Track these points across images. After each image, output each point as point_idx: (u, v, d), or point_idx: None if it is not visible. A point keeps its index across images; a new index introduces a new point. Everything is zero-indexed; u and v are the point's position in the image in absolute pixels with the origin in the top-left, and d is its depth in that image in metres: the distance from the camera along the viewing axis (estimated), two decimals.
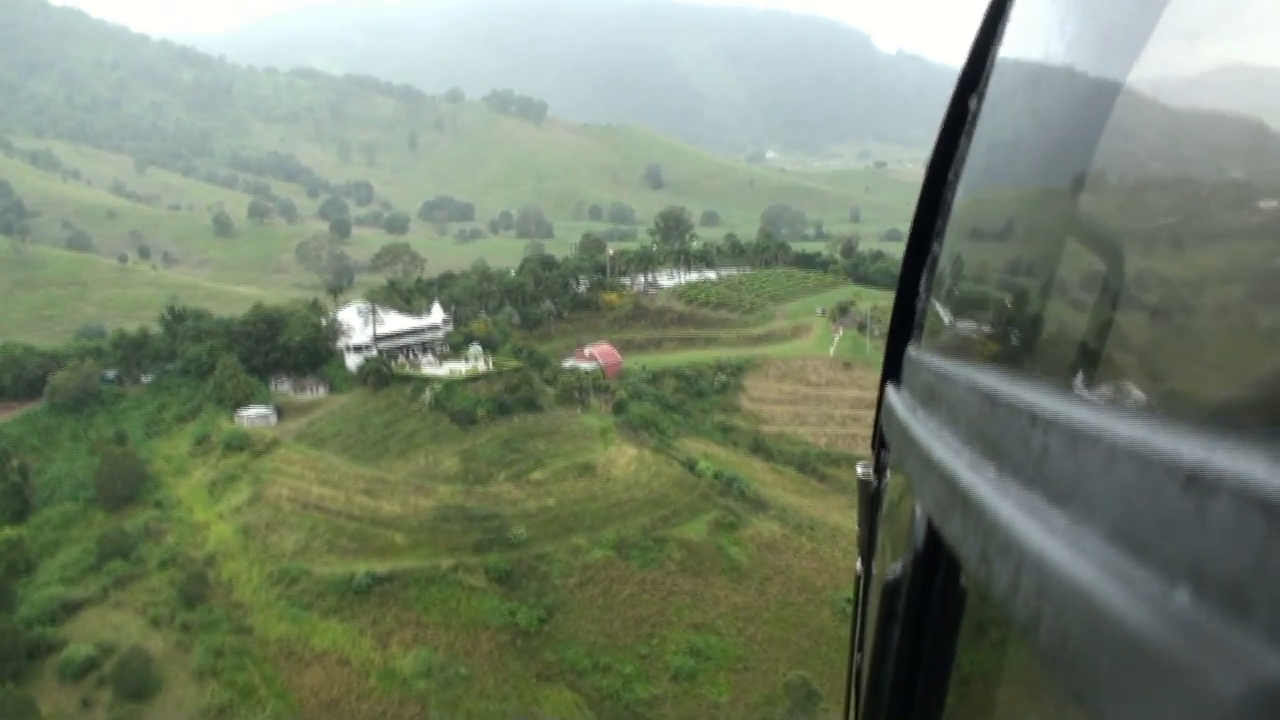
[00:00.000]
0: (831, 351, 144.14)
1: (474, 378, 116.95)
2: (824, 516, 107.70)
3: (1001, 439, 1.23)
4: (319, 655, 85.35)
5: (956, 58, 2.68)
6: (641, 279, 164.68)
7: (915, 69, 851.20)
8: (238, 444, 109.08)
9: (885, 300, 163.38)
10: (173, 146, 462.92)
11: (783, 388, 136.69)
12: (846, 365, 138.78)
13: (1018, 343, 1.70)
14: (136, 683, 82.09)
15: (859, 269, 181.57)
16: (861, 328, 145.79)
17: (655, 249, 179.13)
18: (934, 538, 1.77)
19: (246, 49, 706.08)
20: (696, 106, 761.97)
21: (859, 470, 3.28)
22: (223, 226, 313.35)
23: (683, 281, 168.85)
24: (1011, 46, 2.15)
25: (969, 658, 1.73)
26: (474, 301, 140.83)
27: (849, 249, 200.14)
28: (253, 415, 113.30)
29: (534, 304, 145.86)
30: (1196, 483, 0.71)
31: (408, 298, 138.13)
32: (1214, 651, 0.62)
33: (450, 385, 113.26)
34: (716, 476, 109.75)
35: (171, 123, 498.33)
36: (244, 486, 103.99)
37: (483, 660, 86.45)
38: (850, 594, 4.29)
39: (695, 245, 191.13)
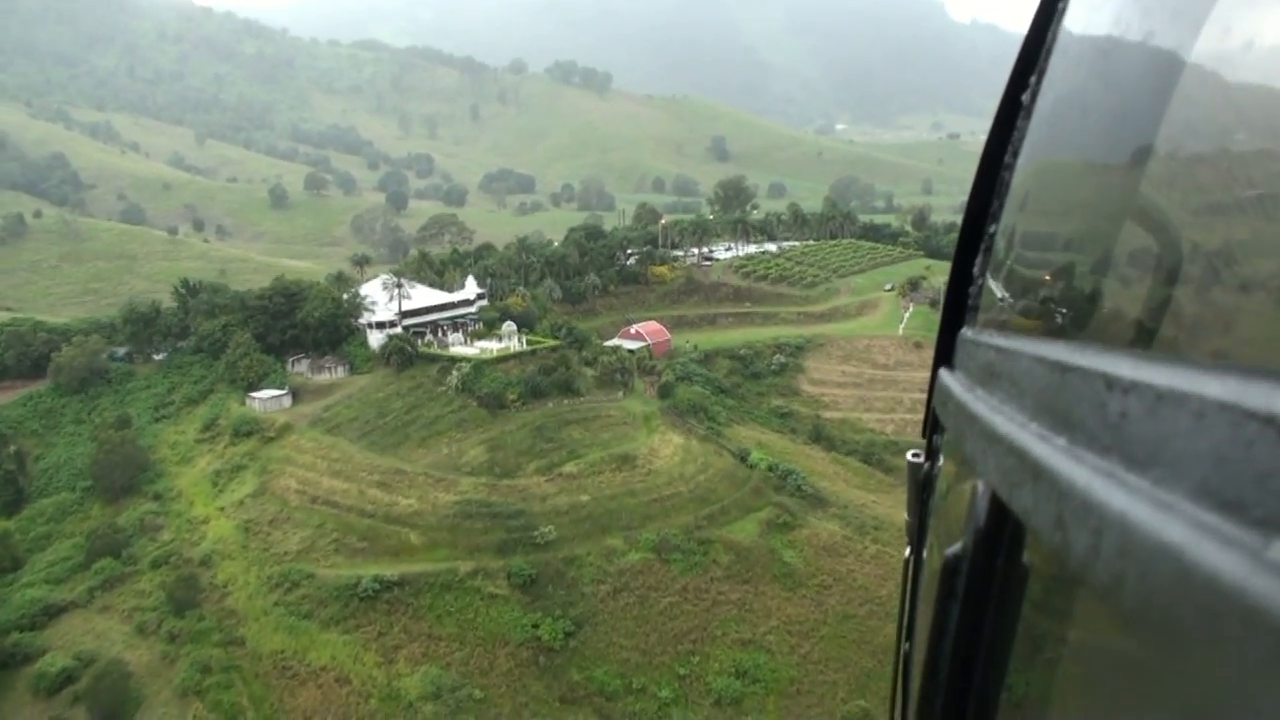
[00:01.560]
0: (901, 330, 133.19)
1: (505, 357, 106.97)
2: (890, 514, 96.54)
3: (1073, 408, 1.23)
4: (315, 672, 75.93)
5: None
6: (695, 251, 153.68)
7: (990, 39, 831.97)
8: (247, 429, 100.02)
9: None
10: (233, 119, 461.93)
11: (846, 369, 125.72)
12: (917, 345, 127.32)
13: (1085, 313, 1.71)
14: (113, 701, 73.21)
15: (931, 241, 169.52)
16: (934, 304, 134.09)
17: (712, 219, 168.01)
18: (997, 514, 1.78)
19: (310, 22, 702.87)
20: (764, 79, 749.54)
21: (909, 455, 3.33)
22: (278, 199, 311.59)
23: (740, 254, 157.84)
24: (1071, 23, 2.17)
25: (1031, 633, 1.74)
26: (512, 275, 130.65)
27: (920, 220, 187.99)
28: (265, 398, 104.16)
29: (578, 278, 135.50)
30: None
31: (440, 270, 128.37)
32: None
33: (479, 366, 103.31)
34: (771, 469, 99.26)
35: (233, 95, 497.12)
36: (250, 477, 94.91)
37: (499, 680, 76.65)
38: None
39: (755, 215, 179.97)
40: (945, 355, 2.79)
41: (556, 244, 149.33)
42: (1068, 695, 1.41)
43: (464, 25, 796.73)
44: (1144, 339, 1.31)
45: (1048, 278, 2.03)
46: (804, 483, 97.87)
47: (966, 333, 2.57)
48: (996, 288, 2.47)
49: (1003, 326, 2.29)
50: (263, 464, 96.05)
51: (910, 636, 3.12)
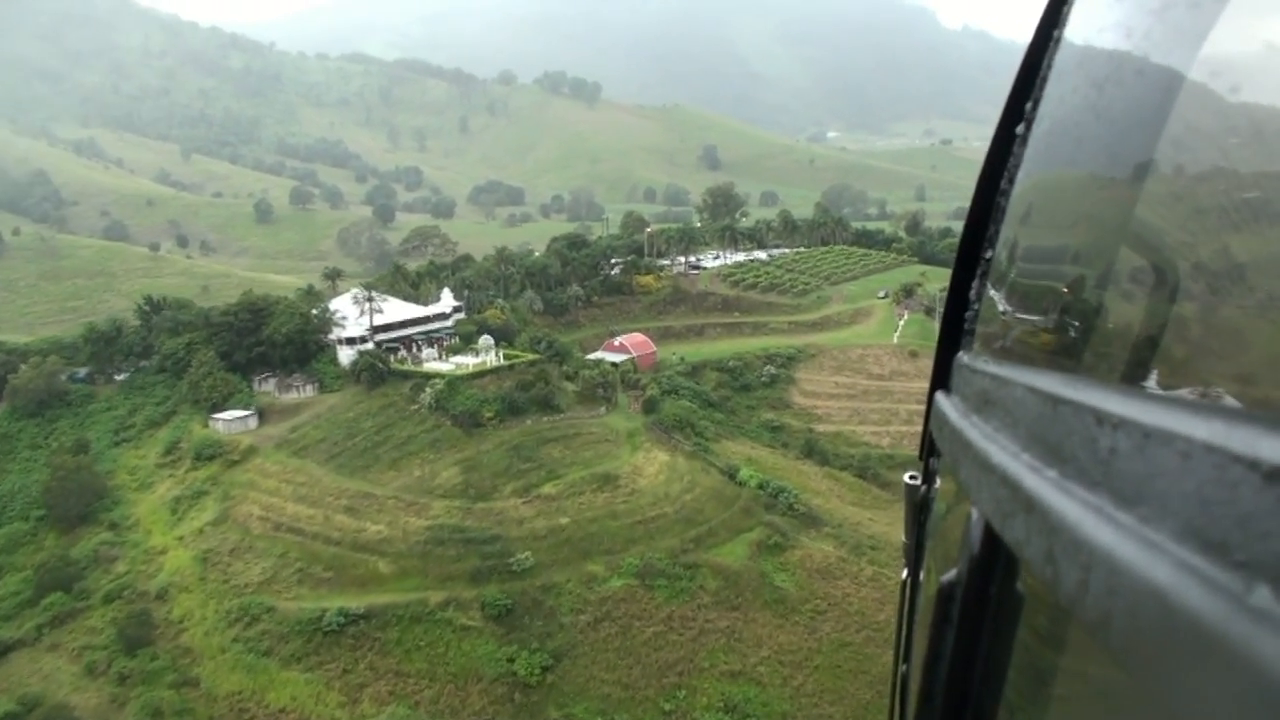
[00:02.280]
0: (895, 338, 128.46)
1: (481, 373, 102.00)
2: (887, 533, 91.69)
3: (1064, 441, 1.23)
4: (274, 715, 71.15)
5: (1023, 33, 2.70)
6: (682, 260, 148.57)
7: (981, 45, 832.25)
8: (209, 453, 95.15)
9: None
10: (220, 134, 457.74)
11: (839, 380, 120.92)
12: (913, 354, 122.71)
13: (1078, 343, 1.73)
14: None
15: (925, 247, 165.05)
16: (929, 311, 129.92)
17: (700, 226, 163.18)
18: (991, 542, 1.77)
19: (299, 37, 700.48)
20: (755, 88, 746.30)
21: (906, 477, 3.39)
22: (264, 213, 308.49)
23: (728, 262, 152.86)
24: (1070, 44, 2.17)
25: (1025, 662, 1.73)
26: (491, 287, 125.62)
27: (914, 225, 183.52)
28: (230, 419, 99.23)
29: (560, 289, 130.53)
30: (1278, 478, 0.72)
31: (416, 283, 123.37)
32: None
33: (453, 383, 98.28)
34: (761, 487, 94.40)
35: (219, 110, 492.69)
36: (211, 504, 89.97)
37: None
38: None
39: (745, 223, 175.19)
40: (942, 378, 2.77)
41: (538, 254, 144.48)
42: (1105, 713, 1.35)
43: (454, 38, 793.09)
44: (1136, 373, 1.31)
45: (1042, 306, 2.02)
46: (796, 501, 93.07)
47: (963, 357, 2.57)
48: (992, 313, 2.49)
49: (997, 353, 2.30)
50: (225, 489, 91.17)
51: (907, 658, 3.08)
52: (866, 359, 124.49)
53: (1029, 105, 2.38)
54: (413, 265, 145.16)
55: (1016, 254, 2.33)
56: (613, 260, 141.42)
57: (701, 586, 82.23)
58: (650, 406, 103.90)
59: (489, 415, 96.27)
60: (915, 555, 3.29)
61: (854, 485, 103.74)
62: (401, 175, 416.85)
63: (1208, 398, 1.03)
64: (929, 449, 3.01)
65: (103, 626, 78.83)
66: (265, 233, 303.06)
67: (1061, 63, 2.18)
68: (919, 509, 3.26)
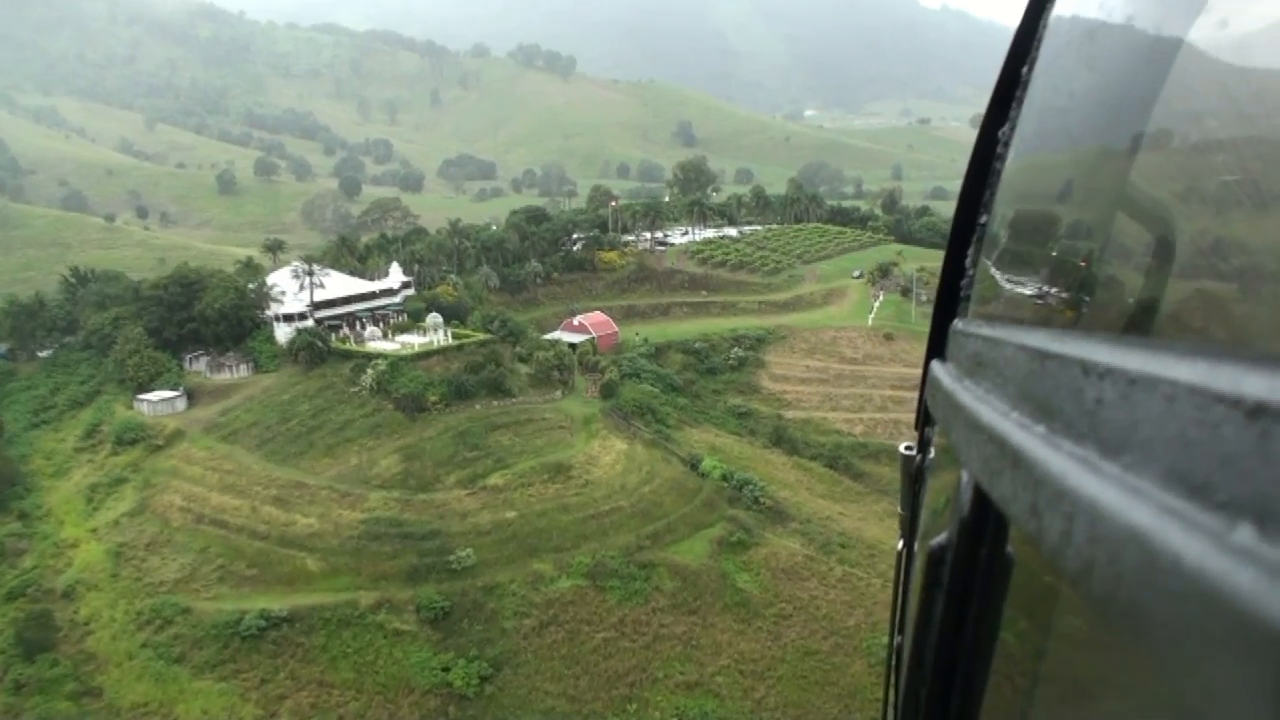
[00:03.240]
0: (870, 320, 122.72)
1: (428, 354, 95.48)
2: (858, 529, 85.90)
3: (1052, 395, 1.25)
4: None
5: (1003, 13, 2.83)
6: (648, 236, 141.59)
7: (960, 25, 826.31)
8: (131, 437, 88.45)
9: (933, 260, 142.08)
10: (186, 104, 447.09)
11: (811, 364, 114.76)
12: (888, 337, 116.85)
13: (1070, 303, 1.76)
14: None
15: (902, 225, 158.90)
16: (905, 292, 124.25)
17: (668, 201, 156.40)
18: (981, 503, 1.79)
19: (272, 7, 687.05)
20: (733, 65, 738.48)
21: (902, 447, 3.35)
22: (226, 185, 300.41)
23: (697, 239, 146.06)
24: (1064, 9, 2.18)
25: (1014, 624, 1.74)
26: (444, 261, 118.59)
27: (891, 203, 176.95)
28: (156, 400, 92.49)
29: (518, 264, 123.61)
30: (1261, 414, 0.71)
31: (363, 256, 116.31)
32: (1278, 582, 0.62)
33: (396, 364, 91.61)
34: (725, 478, 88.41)
35: (186, 80, 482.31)
36: (129, 493, 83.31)
37: None
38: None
39: (717, 198, 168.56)
40: (937, 347, 2.78)
41: (496, 228, 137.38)
42: (1049, 685, 1.40)
43: (428, 11, 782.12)
44: (1124, 325, 1.35)
45: (1034, 269, 2.05)
46: (762, 493, 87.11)
47: (957, 324, 2.57)
48: (986, 279, 2.52)
49: (991, 317, 2.35)
50: (145, 477, 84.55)
51: (902, 630, 3.10)
52: (839, 341, 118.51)
53: (1024, 71, 2.41)
54: (365, 239, 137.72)
55: (1010, 218, 2.38)
56: (575, 236, 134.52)
57: (657, 588, 76.18)
58: (608, 391, 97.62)
59: (434, 399, 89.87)
60: (910, 526, 3.21)
61: (824, 476, 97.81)
62: (371, 148, 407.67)
63: (1193, 346, 1.03)
64: (924, 419, 3.02)
65: (3, 627, 72.02)
66: (228, 204, 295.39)
67: (1056, 30, 2.19)
68: (914, 479, 3.19)
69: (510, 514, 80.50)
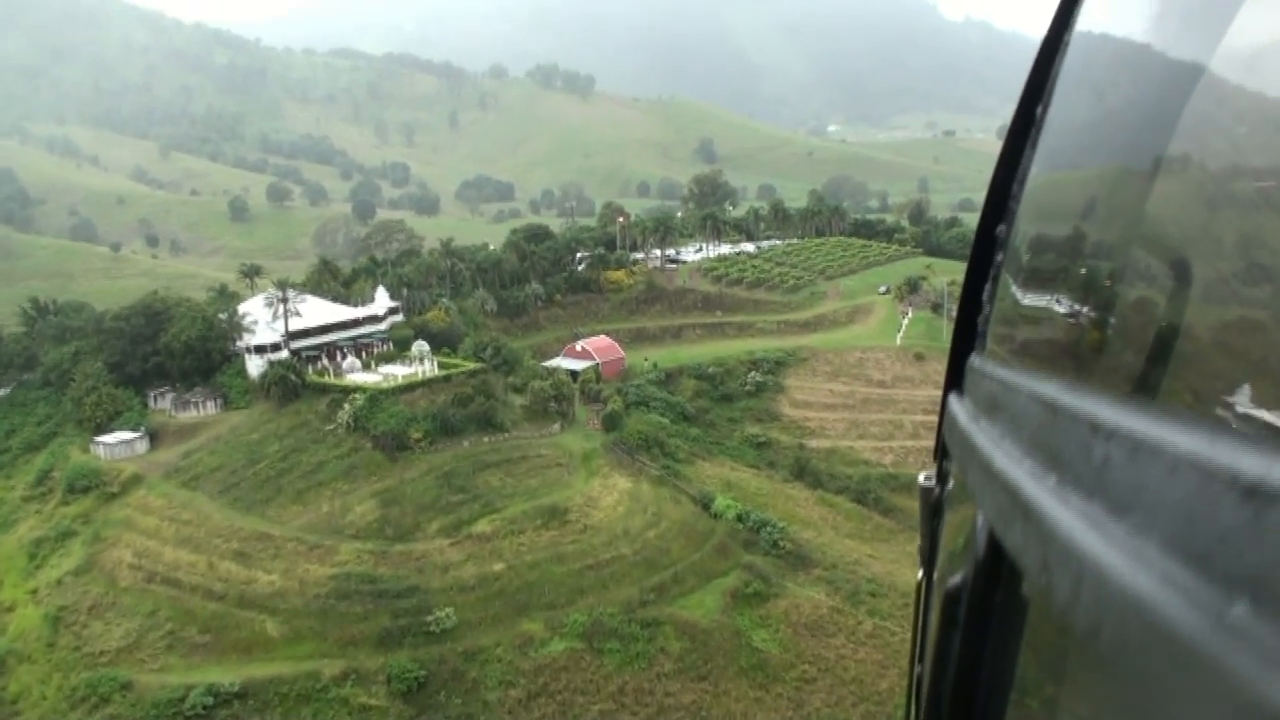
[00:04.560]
0: (899, 339, 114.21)
1: (411, 386, 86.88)
2: (890, 574, 76.76)
3: (1063, 448, 1.24)
4: None
5: (1026, 23, 2.62)
6: (658, 253, 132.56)
7: (983, 36, 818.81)
8: (84, 484, 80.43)
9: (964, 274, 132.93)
10: (201, 131, 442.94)
11: (835, 388, 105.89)
12: (918, 357, 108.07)
13: (1081, 350, 1.73)
14: None
15: (930, 237, 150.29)
16: (936, 308, 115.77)
17: (681, 216, 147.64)
18: (995, 547, 1.78)
19: (290, 35, 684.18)
20: (754, 81, 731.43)
21: (921, 478, 3.29)
22: (239, 211, 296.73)
23: (711, 255, 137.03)
24: (1082, 40, 2.15)
25: (1030, 668, 1.73)
26: (436, 285, 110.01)
27: (918, 214, 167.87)
28: (114, 443, 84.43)
29: (517, 286, 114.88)
30: (1256, 494, 0.72)
31: (348, 281, 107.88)
32: (1272, 664, 0.63)
33: (376, 398, 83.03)
34: (740, 519, 79.88)
35: (202, 107, 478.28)
36: (77, 548, 75.19)
37: None
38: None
39: (735, 213, 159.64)
40: (955, 380, 2.74)
41: (494, 247, 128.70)
42: None
43: (446, 34, 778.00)
44: (1137, 382, 1.32)
45: (1049, 310, 2.01)
46: (781, 535, 78.28)
47: (974, 360, 2.55)
48: (1001, 316, 2.50)
49: (1005, 357, 2.31)
50: (96, 529, 76.49)
51: (922, 659, 3.03)
52: (866, 363, 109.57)
53: (1040, 105, 2.38)
54: (354, 264, 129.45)
55: (1024, 255, 2.34)
56: (579, 255, 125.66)
57: (662, 650, 67.17)
58: (612, 422, 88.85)
59: (417, 437, 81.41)
60: (929, 557, 3.12)
61: (851, 513, 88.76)
62: (388, 171, 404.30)
63: (1201, 412, 1.03)
64: (942, 451, 2.89)
65: None
66: (240, 231, 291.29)
67: (1075, 57, 2.16)
68: (933, 511, 3.07)
69: (498, 566, 71.80)
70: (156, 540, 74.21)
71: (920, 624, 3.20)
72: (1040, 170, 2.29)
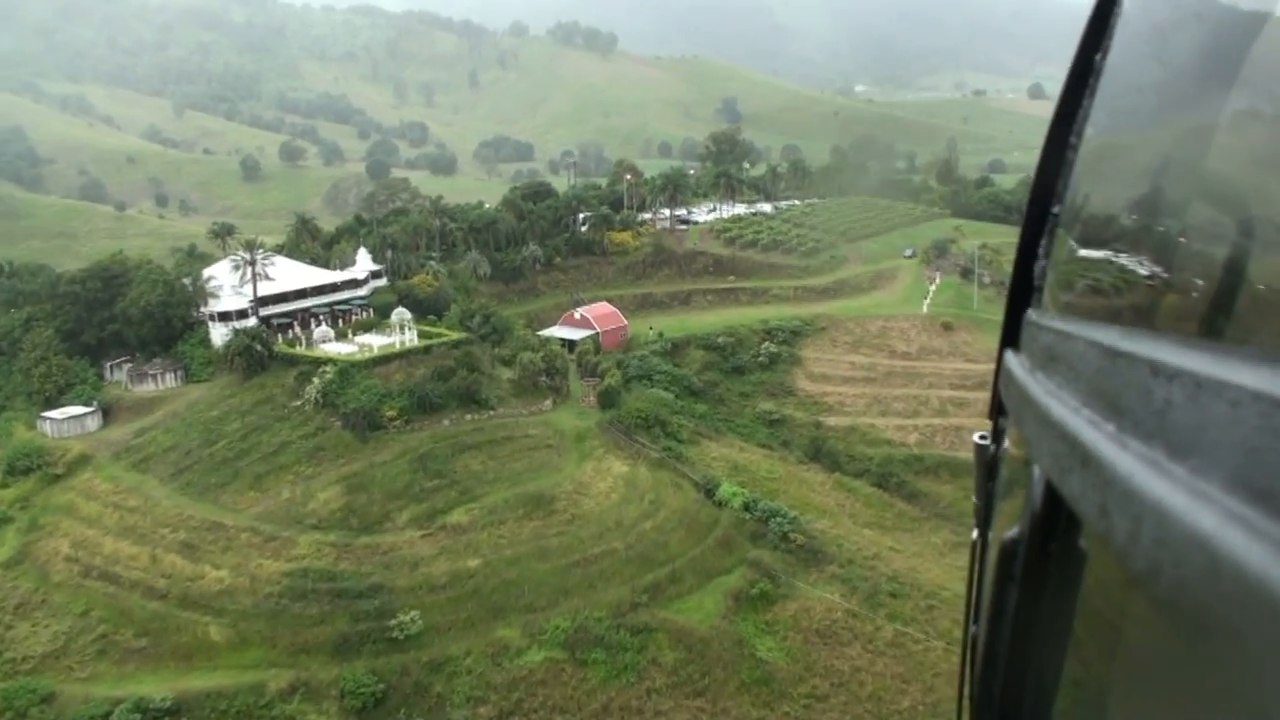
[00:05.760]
0: (925, 307, 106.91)
1: (388, 357, 79.12)
2: (913, 570, 69.08)
3: (1122, 394, 1.25)
4: None
5: None
6: (667, 213, 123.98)
7: None
8: (26, 465, 73.28)
9: (996, 236, 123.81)
10: (218, 90, 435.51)
11: (856, 360, 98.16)
12: (946, 326, 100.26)
13: (1139, 297, 1.75)
14: None
15: (959, 197, 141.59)
16: (966, 273, 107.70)
17: (692, 173, 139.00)
18: (1052, 499, 1.78)
19: None
20: (779, 42, 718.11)
21: (976, 436, 3.27)
22: (251, 170, 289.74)
23: (724, 215, 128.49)
24: (1136, 5, 2.17)
25: (1087, 620, 1.73)
26: (425, 246, 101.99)
27: (946, 172, 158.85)
28: (62, 418, 77.18)
29: (513, 248, 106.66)
30: None
31: (330, 242, 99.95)
32: None
33: (346, 371, 75.30)
34: (747, 508, 71.97)
35: (219, 65, 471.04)
36: (10, 536, 68.22)
37: None
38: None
39: (753, 172, 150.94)
40: (1011, 336, 2.72)
41: (487, 205, 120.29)
42: (1121, 682, 1.40)
43: None
44: (1196, 324, 1.33)
45: (1107, 260, 2.03)
46: (793, 527, 70.33)
47: (1031, 314, 2.53)
48: (1059, 268, 2.50)
49: (1063, 309, 2.31)
50: (34, 515, 69.42)
51: (977, 620, 3.09)
52: (890, 333, 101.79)
53: (1099, 53, 2.35)
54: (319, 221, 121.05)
55: (1082, 206, 2.35)
56: (581, 215, 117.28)
57: (654, 661, 59.60)
58: (608, 399, 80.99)
59: (391, 414, 73.85)
60: (985, 516, 3.10)
61: (871, 498, 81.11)
62: (406, 131, 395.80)
63: (1262, 350, 1.03)
64: (998, 408, 2.89)
65: None
66: (251, 190, 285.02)
67: (1132, 7, 2.15)
68: (988, 469, 3.06)
69: (473, 562, 64.25)
70: (97, 529, 66.97)
71: (975, 584, 3.12)
72: (1099, 120, 2.27)
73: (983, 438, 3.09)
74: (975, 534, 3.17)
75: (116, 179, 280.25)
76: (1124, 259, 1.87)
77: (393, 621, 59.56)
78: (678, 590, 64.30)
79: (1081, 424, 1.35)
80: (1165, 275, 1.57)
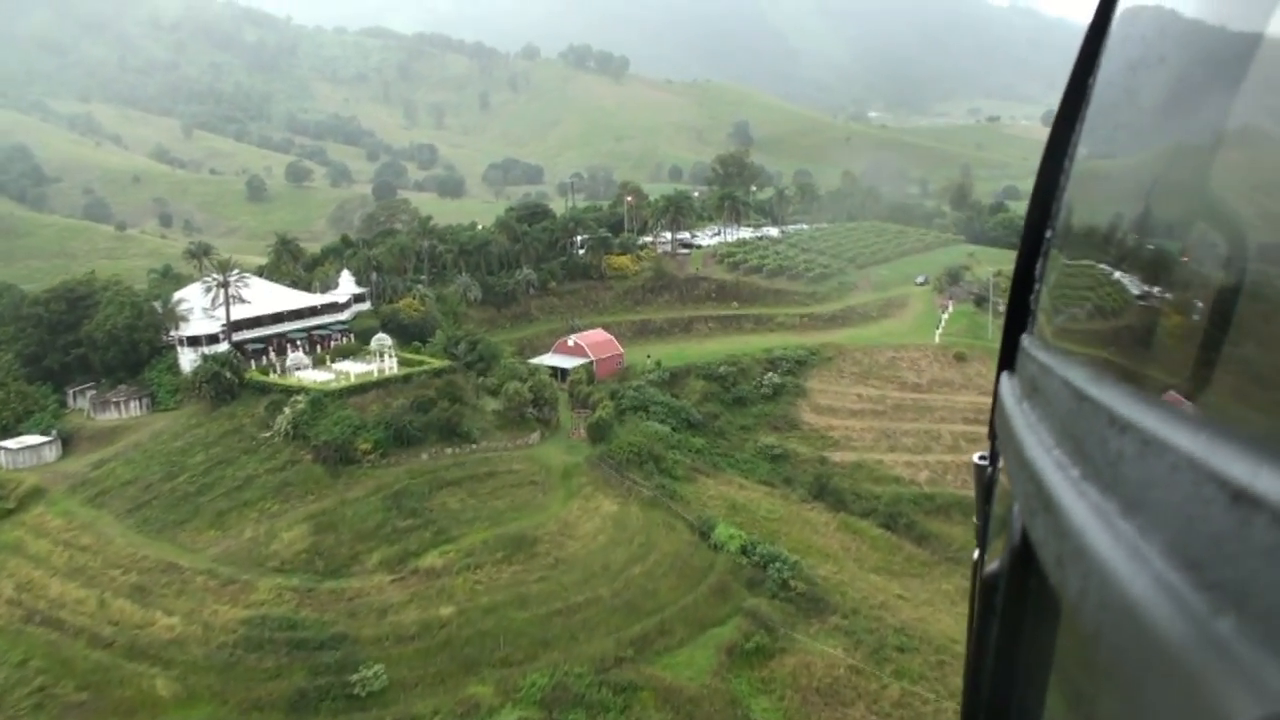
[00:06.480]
0: (937, 336, 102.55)
1: (364, 386, 74.43)
2: (923, 621, 64.15)
3: (1085, 438, 1.23)
4: None
5: (1073, 9, 2.54)
6: (668, 236, 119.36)
7: (1028, 22, 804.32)
8: None
9: (1012, 264, 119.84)
10: (227, 110, 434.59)
11: (864, 392, 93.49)
12: (959, 357, 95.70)
13: (1111, 337, 1.73)
14: None
15: (974, 224, 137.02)
16: (980, 301, 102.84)
17: (696, 195, 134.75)
18: (1028, 537, 1.73)
19: (321, 13, 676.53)
20: (792, 67, 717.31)
21: (975, 458, 3.25)
22: (256, 191, 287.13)
23: (729, 240, 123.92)
24: (1131, 27, 2.09)
25: (1065, 662, 1.63)
26: (412, 269, 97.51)
27: (960, 198, 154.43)
28: (17, 449, 72.78)
29: (505, 272, 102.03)
30: (1242, 500, 0.72)
31: (311, 264, 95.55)
32: (1248, 684, 0.61)
33: (319, 401, 70.70)
34: (745, 551, 67.03)
35: (229, 85, 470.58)
36: None
37: None
38: None
39: (761, 195, 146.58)
40: (1008, 359, 2.73)
41: (481, 227, 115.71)
42: None
43: (480, 14, 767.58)
44: (1154, 372, 1.31)
45: (1084, 295, 2.00)
46: (793, 574, 65.40)
47: (1024, 339, 2.53)
48: (1047, 296, 2.48)
49: (1048, 339, 2.29)
50: None
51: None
52: (899, 363, 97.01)
53: (1091, 77, 2.34)
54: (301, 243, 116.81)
55: (1069, 233, 2.32)
56: (579, 237, 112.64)
57: None
58: (599, 433, 76.23)
59: (365, 448, 69.26)
60: (984, 538, 3.03)
61: (879, 541, 76.22)
62: (415, 153, 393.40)
63: (1212, 411, 1.01)
64: (994, 430, 2.83)
65: None
66: (256, 211, 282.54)
67: (1124, 34, 2.10)
68: (986, 491, 3.01)
69: (446, 610, 59.50)
70: (44, 570, 62.32)
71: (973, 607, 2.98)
72: (1087, 143, 2.27)
73: (982, 458, 3.02)
74: (976, 554, 3.00)
75: (121, 199, 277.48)
76: (1097, 295, 1.82)
77: (354, 676, 54.73)
78: (666, 643, 59.44)
79: (1050, 465, 1.32)
80: (1135, 315, 1.53)
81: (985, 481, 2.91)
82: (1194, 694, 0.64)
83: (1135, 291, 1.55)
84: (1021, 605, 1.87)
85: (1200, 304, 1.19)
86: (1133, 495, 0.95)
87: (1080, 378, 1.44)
